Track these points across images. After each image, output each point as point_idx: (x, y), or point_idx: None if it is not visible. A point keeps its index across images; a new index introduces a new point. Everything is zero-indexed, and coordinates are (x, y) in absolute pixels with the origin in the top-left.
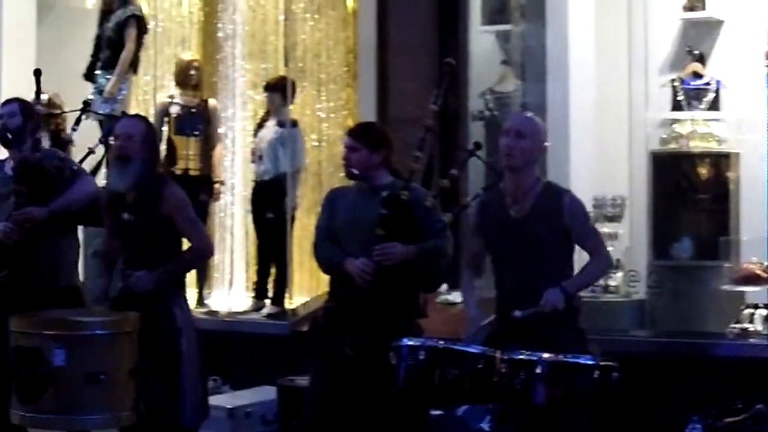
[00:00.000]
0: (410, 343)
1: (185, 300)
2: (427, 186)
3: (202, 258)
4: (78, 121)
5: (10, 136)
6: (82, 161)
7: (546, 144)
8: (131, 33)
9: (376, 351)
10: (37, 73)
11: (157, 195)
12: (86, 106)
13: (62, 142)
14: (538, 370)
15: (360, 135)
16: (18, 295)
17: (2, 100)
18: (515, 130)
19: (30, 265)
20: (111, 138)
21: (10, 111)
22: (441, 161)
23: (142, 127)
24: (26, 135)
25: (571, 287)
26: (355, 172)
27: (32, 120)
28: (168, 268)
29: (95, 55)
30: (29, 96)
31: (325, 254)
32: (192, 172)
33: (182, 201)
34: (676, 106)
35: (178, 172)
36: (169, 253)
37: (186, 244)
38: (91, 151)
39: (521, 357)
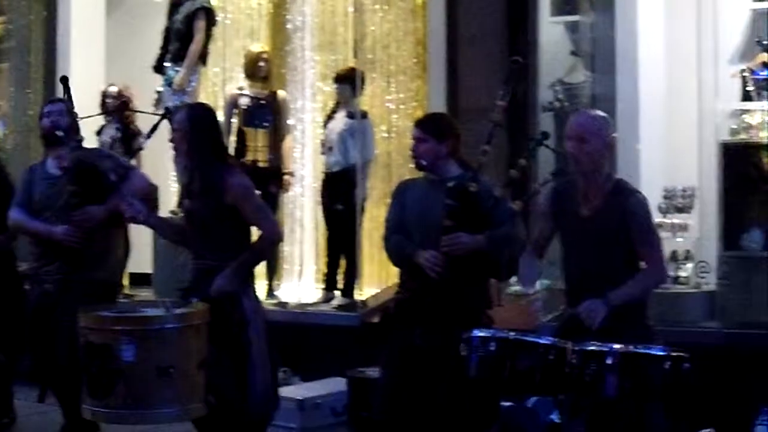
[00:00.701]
0: (481, 334)
1: (254, 291)
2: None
3: (272, 245)
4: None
5: (61, 134)
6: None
7: (614, 136)
8: (200, 25)
9: (446, 342)
10: (64, 80)
11: (221, 184)
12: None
13: (130, 134)
14: (609, 361)
15: (427, 126)
16: (63, 286)
17: (73, 93)
18: (577, 135)
19: (80, 259)
20: None
21: (60, 110)
22: (511, 152)
23: (182, 119)
24: (72, 134)
25: (617, 299)
26: (423, 163)
27: (75, 121)
28: (241, 261)
29: (164, 48)
30: (99, 88)
31: (396, 246)
32: (261, 164)
33: (247, 189)
34: (746, 97)
35: (247, 163)
36: (236, 243)
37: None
38: (139, 148)
39: (592, 348)
